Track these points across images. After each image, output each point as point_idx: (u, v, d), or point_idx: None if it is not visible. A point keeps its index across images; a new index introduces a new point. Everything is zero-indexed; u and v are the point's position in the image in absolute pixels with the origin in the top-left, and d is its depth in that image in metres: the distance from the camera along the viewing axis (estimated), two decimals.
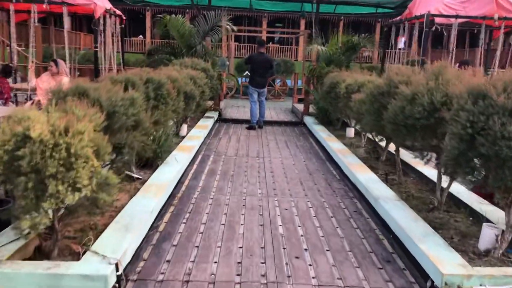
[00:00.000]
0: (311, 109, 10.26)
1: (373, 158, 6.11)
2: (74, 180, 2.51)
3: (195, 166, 6.07)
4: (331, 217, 4.29)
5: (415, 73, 4.23)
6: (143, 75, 4.42)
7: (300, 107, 11.43)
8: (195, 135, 7.26)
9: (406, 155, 5.70)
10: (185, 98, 6.10)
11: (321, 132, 7.96)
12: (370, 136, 6.41)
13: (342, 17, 24.11)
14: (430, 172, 5.03)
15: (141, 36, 24.10)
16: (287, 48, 25.68)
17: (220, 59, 16.96)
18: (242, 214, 4.25)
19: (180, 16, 9.63)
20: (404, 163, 5.42)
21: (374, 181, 4.85)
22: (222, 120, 10.26)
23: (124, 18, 9.09)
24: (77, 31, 20.19)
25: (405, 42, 21.04)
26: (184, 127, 7.41)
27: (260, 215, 4.26)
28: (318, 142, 8.09)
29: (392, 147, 5.74)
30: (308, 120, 9.64)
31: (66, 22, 7.26)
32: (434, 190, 4.33)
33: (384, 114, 4.19)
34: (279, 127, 10.01)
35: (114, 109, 3.29)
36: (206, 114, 9.68)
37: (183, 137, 7.28)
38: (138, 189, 4.33)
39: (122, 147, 3.37)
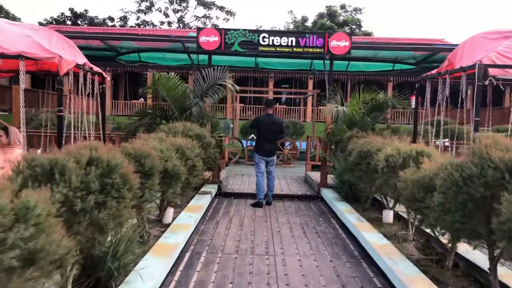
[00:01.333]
0: (330, 178, 8.53)
1: (433, 262, 4.25)
2: None
3: (177, 276, 4.23)
4: None
5: None
6: (83, 153, 2.76)
7: (315, 176, 9.71)
8: (183, 223, 5.48)
9: (480, 257, 3.85)
10: (165, 178, 4.41)
11: (348, 215, 6.16)
12: (417, 223, 4.61)
13: (352, 76, 23.12)
14: None
15: (142, 99, 23.09)
16: (295, 109, 24.49)
17: (224, 121, 15.58)
18: None
19: (173, 73, 8.24)
20: (478, 269, 3.57)
21: None
22: (222, 194, 8.51)
23: (106, 76, 7.68)
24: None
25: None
26: (169, 211, 5.66)
27: None
28: (343, 225, 6.28)
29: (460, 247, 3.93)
30: (327, 195, 7.86)
31: (23, 80, 5.76)
32: None
33: (480, 213, 2.45)
34: (292, 202, 8.22)
35: None
36: (202, 189, 7.95)
37: (168, 224, 5.52)
38: None
39: None
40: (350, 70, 15.06)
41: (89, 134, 7.34)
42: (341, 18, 35.04)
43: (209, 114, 8.28)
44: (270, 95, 21.31)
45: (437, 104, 6.89)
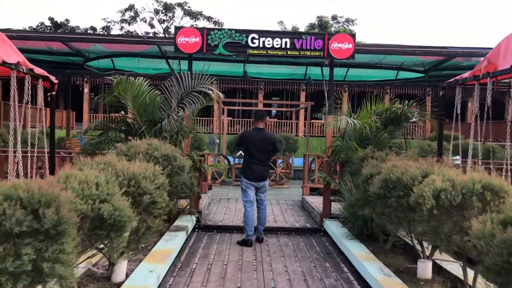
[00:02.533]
0: (333, 205, 6.96)
1: None
2: None
3: None
4: None
5: None
6: None
7: (315, 202, 8.15)
8: (139, 285, 3.85)
9: None
10: (99, 229, 2.82)
11: (367, 263, 4.58)
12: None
13: (349, 87, 21.79)
14: None
15: (122, 111, 21.50)
16: (286, 122, 23.04)
17: (209, 136, 13.98)
18: None
19: (141, 78, 6.70)
20: None
21: None
22: (202, 227, 6.88)
23: (56, 82, 6.09)
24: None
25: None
26: (121, 265, 4.03)
27: None
28: (359, 275, 4.72)
29: None
30: (333, 229, 6.29)
31: None
32: None
33: None
34: (288, 238, 6.61)
35: None
36: (176, 222, 6.33)
37: (120, 284, 3.90)
38: None
39: None
40: (348, 79, 13.62)
41: (30, 151, 5.69)
42: (332, 29, 33.93)
43: (185, 128, 6.70)
44: (260, 108, 19.86)
45: (473, 116, 5.42)
